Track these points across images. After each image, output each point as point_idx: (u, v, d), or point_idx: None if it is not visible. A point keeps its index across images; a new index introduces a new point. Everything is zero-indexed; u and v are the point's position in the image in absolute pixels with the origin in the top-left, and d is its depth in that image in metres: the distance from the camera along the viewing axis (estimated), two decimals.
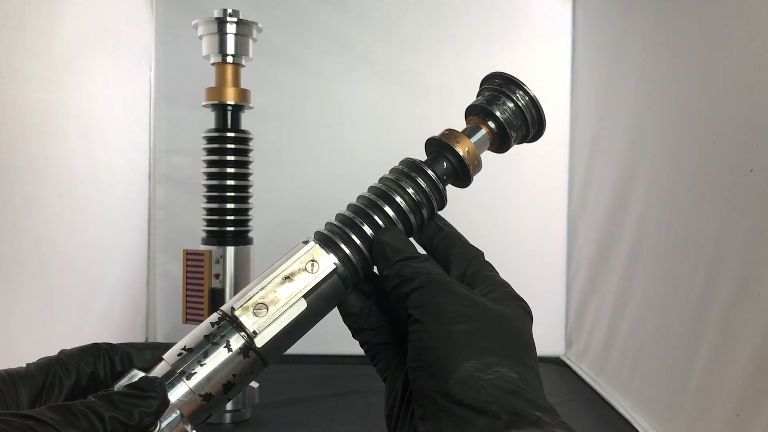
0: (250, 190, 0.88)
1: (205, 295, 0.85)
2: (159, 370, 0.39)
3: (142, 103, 1.21)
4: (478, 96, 0.47)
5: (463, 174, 0.45)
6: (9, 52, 0.75)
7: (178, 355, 0.39)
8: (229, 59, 0.85)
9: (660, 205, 0.89)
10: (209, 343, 0.39)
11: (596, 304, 1.13)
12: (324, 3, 1.24)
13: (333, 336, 1.29)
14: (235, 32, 0.85)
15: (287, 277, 0.41)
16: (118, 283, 1.12)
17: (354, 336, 0.44)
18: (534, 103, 0.45)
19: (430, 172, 0.44)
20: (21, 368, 0.36)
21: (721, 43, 0.73)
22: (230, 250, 0.86)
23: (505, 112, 0.46)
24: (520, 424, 0.33)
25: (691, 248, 0.78)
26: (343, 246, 0.42)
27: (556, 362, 1.23)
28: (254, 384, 0.88)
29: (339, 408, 0.95)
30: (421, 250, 0.43)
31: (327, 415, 0.92)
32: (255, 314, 0.39)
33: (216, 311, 0.41)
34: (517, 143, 0.47)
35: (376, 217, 0.43)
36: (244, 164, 0.87)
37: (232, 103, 0.86)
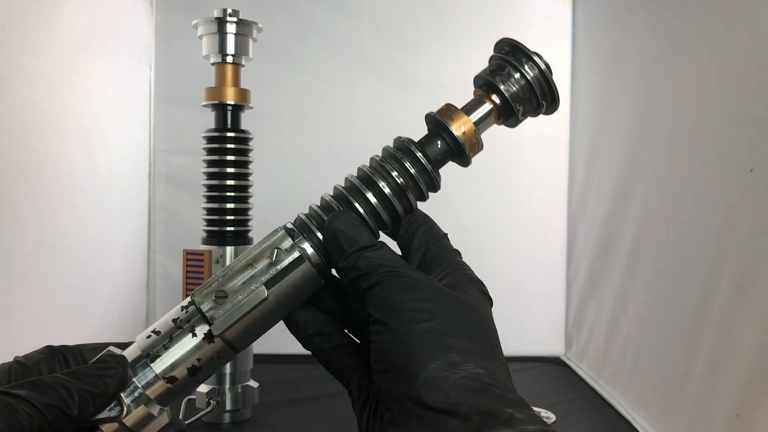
0: (250, 190, 0.88)
1: None
2: (129, 352, 0.39)
3: (142, 103, 1.21)
4: (490, 62, 0.43)
5: (459, 154, 0.43)
6: (9, 52, 0.74)
7: (147, 338, 0.39)
8: (229, 59, 0.85)
9: (660, 205, 0.89)
10: (176, 327, 0.39)
11: (596, 304, 1.13)
12: (324, 3, 1.24)
13: None
14: (235, 32, 0.85)
15: (249, 265, 0.40)
16: (118, 282, 1.12)
17: (304, 346, 0.43)
18: (544, 74, 0.42)
19: (418, 154, 0.41)
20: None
21: (721, 42, 0.73)
22: (230, 250, 0.86)
23: (511, 85, 0.42)
24: (492, 423, 0.32)
25: (691, 248, 0.78)
26: (318, 233, 0.40)
27: (556, 362, 1.23)
28: (254, 384, 0.88)
29: (339, 408, 0.95)
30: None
31: (327, 415, 0.92)
32: (215, 301, 0.39)
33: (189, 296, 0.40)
34: (528, 117, 0.44)
35: (356, 204, 0.41)
36: (244, 164, 0.87)
37: (232, 103, 0.86)
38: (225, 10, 0.84)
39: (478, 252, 1.30)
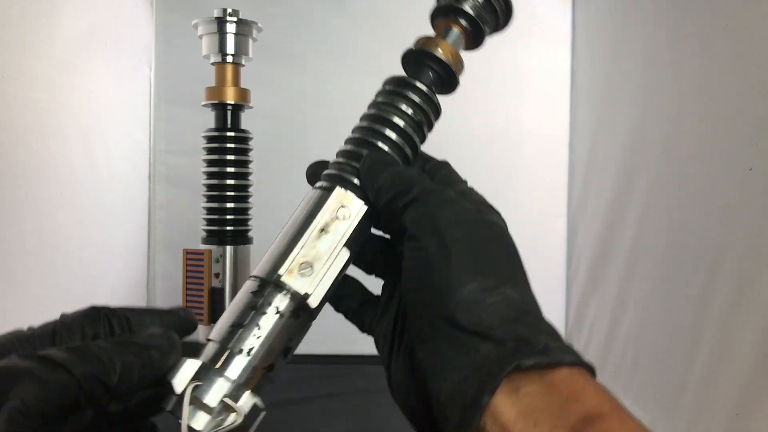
0: (250, 189, 0.88)
1: (205, 294, 0.85)
2: (210, 352, 0.36)
3: (142, 103, 1.21)
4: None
5: (449, 79, 0.43)
6: (9, 52, 0.75)
7: (229, 333, 0.37)
8: (229, 59, 0.85)
9: (660, 205, 0.89)
10: (261, 313, 0.37)
11: (596, 303, 1.13)
12: (324, 3, 1.24)
13: (333, 336, 1.29)
14: (234, 32, 0.85)
15: (323, 230, 0.39)
16: (118, 282, 1.12)
17: (336, 309, 0.42)
18: None
19: (420, 85, 0.42)
20: (26, 331, 0.35)
21: (721, 41, 0.73)
22: (230, 250, 0.86)
23: (475, 7, 0.44)
24: (527, 350, 0.31)
25: (691, 247, 0.78)
26: (356, 181, 0.40)
27: None
28: None
29: (339, 408, 0.95)
30: None
31: (327, 415, 0.92)
32: (301, 275, 0.38)
33: (250, 279, 0.38)
34: (489, 36, 0.46)
35: (380, 143, 0.41)
36: (244, 164, 0.87)
37: (232, 102, 0.86)
38: (225, 10, 0.84)
39: None
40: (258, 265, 0.39)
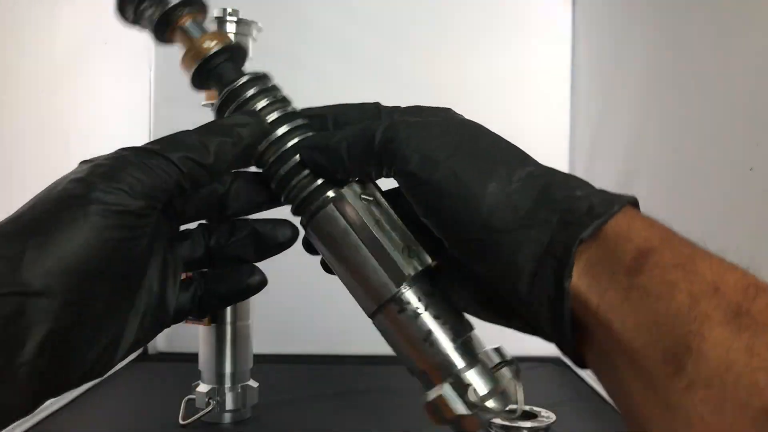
0: None
1: None
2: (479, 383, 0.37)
3: (142, 103, 1.21)
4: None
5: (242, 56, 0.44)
6: (9, 52, 0.75)
7: (427, 347, 0.37)
8: None
9: (660, 205, 0.89)
10: (415, 314, 0.38)
11: None
12: (324, 3, 1.24)
13: (333, 336, 1.29)
14: (234, 32, 0.85)
15: (377, 222, 0.39)
16: None
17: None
18: None
19: (241, 84, 0.42)
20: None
21: (722, 41, 0.73)
22: None
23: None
24: (576, 219, 0.30)
25: None
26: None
27: (556, 362, 1.22)
28: (254, 384, 0.88)
29: (339, 408, 0.95)
30: None
31: (327, 415, 0.92)
32: (411, 257, 0.38)
33: (378, 315, 0.39)
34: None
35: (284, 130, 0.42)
36: None
37: None
38: (224, 10, 0.84)
39: None
40: (365, 304, 0.39)
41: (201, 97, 0.87)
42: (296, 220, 0.43)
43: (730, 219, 0.70)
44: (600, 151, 1.14)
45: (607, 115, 1.11)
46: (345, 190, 0.39)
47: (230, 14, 0.84)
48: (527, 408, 0.80)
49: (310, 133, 0.42)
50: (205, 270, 0.42)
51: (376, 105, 0.43)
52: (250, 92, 0.42)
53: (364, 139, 0.37)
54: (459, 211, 0.33)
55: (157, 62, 1.23)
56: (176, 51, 1.31)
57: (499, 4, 1.25)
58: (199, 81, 0.43)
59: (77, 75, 0.91)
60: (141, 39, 1.22)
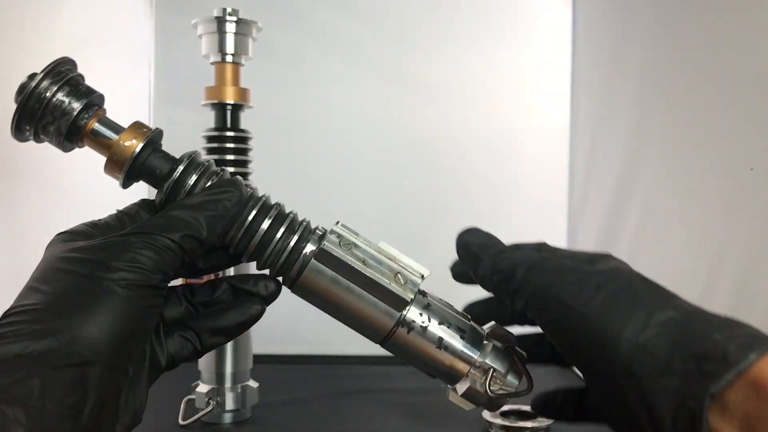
0: None
1: None
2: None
3: (142, 102, 1.21)
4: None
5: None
6: (9, 52, 0.74)
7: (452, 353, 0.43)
8: (229, 58, 0.85)
9: (660, 205, 0.89)
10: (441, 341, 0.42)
11: None
12: (324, 2, 1.24)
13: (333, 336, 1.29)
14: (234, 31, 0.84)
15: (397, 274, 0.43)
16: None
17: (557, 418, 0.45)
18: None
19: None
20: (98, 221, 0.43)
21: (722, 41, 0.73)
22: None
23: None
24: (712, 368, 0.31)
25: (691, 248, 0.78)
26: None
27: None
28: (254, 384, 0.88)
29: (339, 408, 0.95)
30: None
31: (327, 415, 0.92)
32: (401, 283, 0.42)
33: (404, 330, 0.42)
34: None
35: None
36: (244, 164, 0.87)
37: (232, 102, 0.85)
38: (224, 10, 0.84)
39: None
40: (372, 336, 0.44)
41: (201, 97, 0.87)
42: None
43: (730, 219, 0.70)
44: (600, 151, 1.14)
45: (607, 114, 1.11)
46: (326, 244, 0.41)
47: (230, 14, 0.84)
48: (527, 408, 0.80)
49: (274, 202, 0.45)
50: (203, 309, 0.44)
51: (541, 245, 0.45)
52: (193, 178, 0.43)
53: (505, 273, 0.39)
54: (597, 356, 0.34)
55: (157, 62, 1.23)
56: (176, 51, 1.30)
57: (499, 5, 1.25)
58: (130, 180, 0.45)
59: None
60: (141, 39, 1.22)
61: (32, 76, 0.42)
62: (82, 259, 0.37)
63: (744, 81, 0.68)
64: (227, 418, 0.87)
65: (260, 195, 0.44)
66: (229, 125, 0.86)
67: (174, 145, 1.42)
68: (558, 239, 1.27)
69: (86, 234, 0.41)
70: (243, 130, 0.87)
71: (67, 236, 0.41)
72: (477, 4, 1.25)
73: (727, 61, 0.71)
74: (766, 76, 0.63)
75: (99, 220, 0.43)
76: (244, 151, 0.87)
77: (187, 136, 1.15)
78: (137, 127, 0.44)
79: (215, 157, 0.86)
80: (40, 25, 0.81)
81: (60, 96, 0.41)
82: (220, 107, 0.86)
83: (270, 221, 0.43)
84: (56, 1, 0.85)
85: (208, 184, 0.42)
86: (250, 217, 0.42)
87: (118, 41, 1.09)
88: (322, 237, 0.42)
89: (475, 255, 0.41)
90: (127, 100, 1.15)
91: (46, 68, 0.42)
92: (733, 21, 0.71)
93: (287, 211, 0.45)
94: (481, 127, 1.24)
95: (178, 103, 1.22)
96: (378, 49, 1.25)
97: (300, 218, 0.45)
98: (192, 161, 0.43)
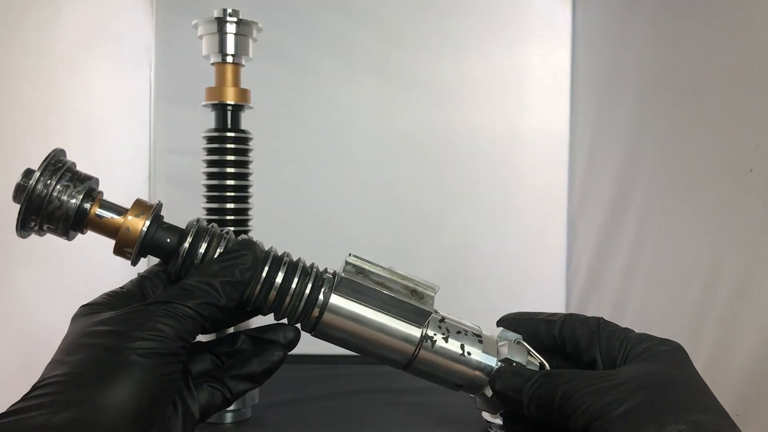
0: (250, 190, 0.88)
1: None
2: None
3: (142, 103, 1.21)
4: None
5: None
6: (9, 52, 0.75)
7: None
8: (229, 59, 0.85)
9: (660, 205, 0.89)
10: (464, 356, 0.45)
11: (596, 303, 1.13)
12: (324, 3, 1.24)
13: None
14: (234, 32, 0.85)
15: (414, 290, 0.46)
16: (119, 283, 1.11)
17: None
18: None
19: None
20: (119, 290, 0.45)
21: (721, 42, 0.73)
22: None
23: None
24: None
25: (691, 248, 0.78)
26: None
27: None
28: None
29: (339, 408, 0.95)
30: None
31: (327, 415, 0.92)
32: (418, 297, 0.45)
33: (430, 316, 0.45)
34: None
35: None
36: (244, 164, 0.87)
37: (232, 102, 0.86)
38: (225, 10, 0.84)
39: (477, 252, 1.30)
40: (398, 358, 0.46)
41: (201, 98, 0.87)
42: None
43: (730, 219, 0.70)
44: (600, 151, 1.14)
45: (607, 115, 1.11)
46: (344, 275, 0.44)
47: (230, 14, 0.84)
48: None
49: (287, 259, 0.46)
50: (227, 360, 0.47)
51: (598, 320, 0.47)
52: (203, 246, 0.44)
53: (544, 398, 0.41)
54: None
55: (157, 62, 1.23)
56: (176, 51, 1.30)
57: (499, 5, 1.25)
58: (141, 256, 0.46)
59: (78, 75, 0.91)
60: (141, 39, 1.22)
61: (28, 173, 0.42)
62: (105, 331, 0.38)
63: (744, 81, 0.68)
64: (228, 418, 0.87)
65: (268, 249, 0.46)
66: (229, 125, 0.86)
67: (174, 145, 1.42)
68: (558, 239, 1.27)
69: (108, 304, 0.42)
70: (243, 131, 0.87)
71: (89, 308, 0.42)
72: (477, 4, 1.25)
73: (727, 62, 0.71)
74: (766, 76, 0.63)
75: (120, 288, 0.45)
76: (244, 152, 0.87)
77: (187, 136, 1.16)
78: (139, 204, 0.46)
79: (215, 157, 0.86)
80: (40, 25, 0.81)
81: (60, 188, 0.42)
82: (220, 108, 0.86)
83: (283, 274, 0.44)
84: (57, 2, 0.85)
85: (220, 248, 0.44)
86: (264, 274, 0.44)
87: (119, 42, 1.09)
88: (334, 277, 0.45)
89: (516, 401, 0.42)
90: (127, 100, 1.15)
91: (42, 164, 0.42)
92: (733, 22, 0.71)
93: (294, 259, 0.46)
94: (481, 127, 1.24)
95: (178, 104, 1.22)
96: (378, 49, 1.25)
97: (308, 263, 0.47)
98: (199, 229, 0.45)
